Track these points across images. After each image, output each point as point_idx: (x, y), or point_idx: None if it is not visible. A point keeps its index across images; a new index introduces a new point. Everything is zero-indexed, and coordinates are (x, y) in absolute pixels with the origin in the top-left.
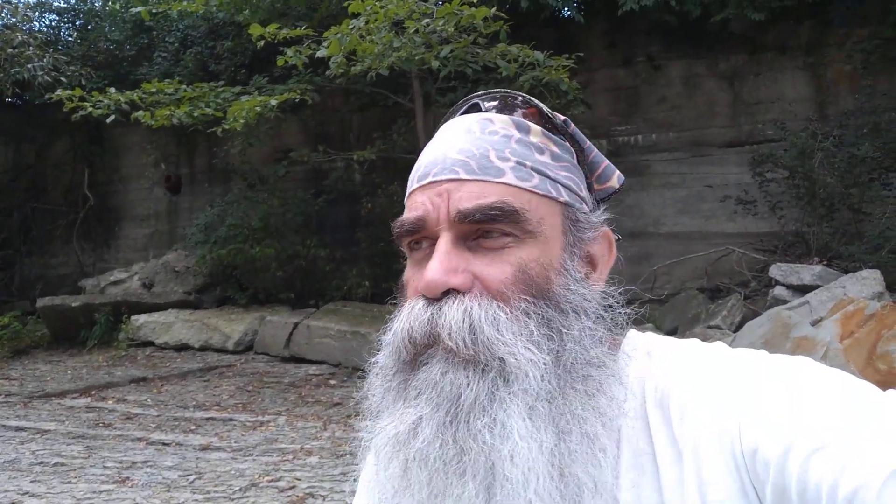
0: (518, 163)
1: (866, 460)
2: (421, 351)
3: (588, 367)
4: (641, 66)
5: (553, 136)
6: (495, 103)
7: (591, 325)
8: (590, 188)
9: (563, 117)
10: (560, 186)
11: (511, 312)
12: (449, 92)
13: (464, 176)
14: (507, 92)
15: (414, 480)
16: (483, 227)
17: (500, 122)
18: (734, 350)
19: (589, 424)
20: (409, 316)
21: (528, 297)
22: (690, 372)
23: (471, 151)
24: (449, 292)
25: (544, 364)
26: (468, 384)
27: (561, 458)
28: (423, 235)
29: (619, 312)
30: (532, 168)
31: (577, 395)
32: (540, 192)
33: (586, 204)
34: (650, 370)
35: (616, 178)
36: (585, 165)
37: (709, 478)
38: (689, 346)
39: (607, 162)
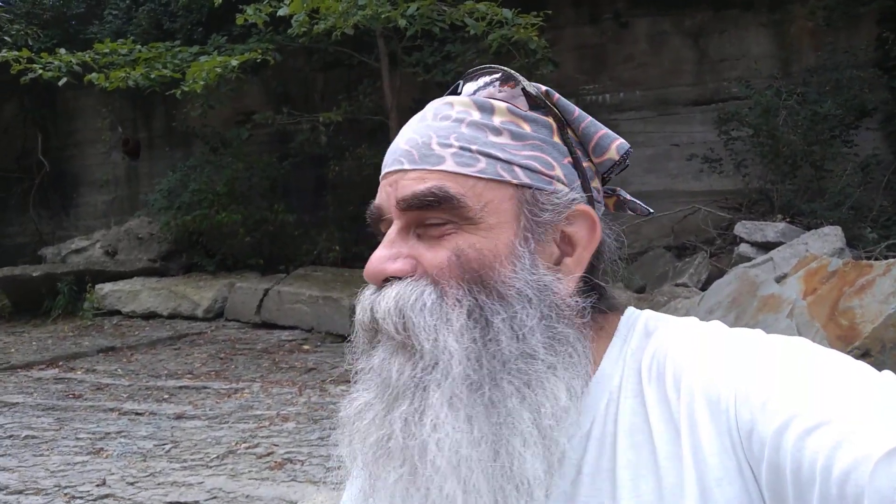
0: (462, 148)
1: (861, 441)
2: (373, 335)
3: (523, 360)
4: (608, 24)
5: (523, 112)
6: (473, 82)
7: (537, 312)
8: (577, 162)
9: (544, 88)
10: (516, 168)
11: (440, 298)
12: (415, 51)
13: (406, 166)
14: (489, 67)
15: (362, 461)
16: (422, 215)
17: (460, 106)
18: (731, 329)
19: (522, 421)
20: (360, 302)
21: (461, 283)
22: (687, 351)
23: (415, 140)
24: (390, 279)
25: (466, 351)
26: (398, 369)
27: (487, 449)
28: (384, 224)
29: (593, 299)
30: (478, 152)
31: (512, 388)
32: (486, 176)
33: (562, 182)
34: (647, 349)
35: (615, 149)
36: (577, 137)
37: (706, 457)
38: (687, 326)
39: (604, 131)
